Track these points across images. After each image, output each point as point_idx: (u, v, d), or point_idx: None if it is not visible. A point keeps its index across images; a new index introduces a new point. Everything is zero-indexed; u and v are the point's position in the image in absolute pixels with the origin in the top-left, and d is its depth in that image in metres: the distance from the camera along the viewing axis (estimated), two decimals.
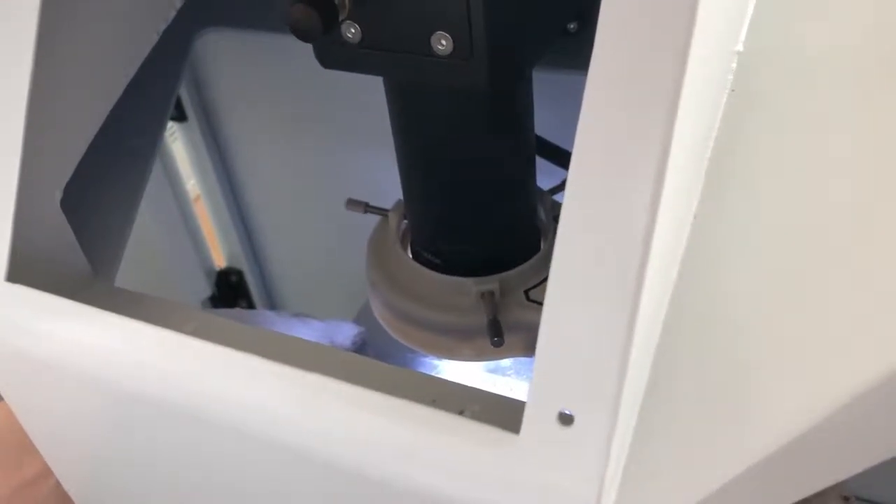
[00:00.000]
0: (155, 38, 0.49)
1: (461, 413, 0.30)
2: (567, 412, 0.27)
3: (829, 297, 0.29)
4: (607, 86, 0.27)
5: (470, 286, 0.49)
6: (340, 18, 0.36)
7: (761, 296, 0.30)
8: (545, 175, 0.51)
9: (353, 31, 0.38)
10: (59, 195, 0.42)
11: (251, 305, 1.00)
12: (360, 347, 0.64)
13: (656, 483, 0.28)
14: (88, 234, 0.44)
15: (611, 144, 0.27)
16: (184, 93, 0.78)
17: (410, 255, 0.53)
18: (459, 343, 0.50)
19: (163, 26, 0.50)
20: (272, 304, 1.01)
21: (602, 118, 0.27)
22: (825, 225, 0.31)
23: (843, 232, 0.30)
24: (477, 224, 0.48)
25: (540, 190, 0.52)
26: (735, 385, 0.29)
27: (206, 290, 0.98)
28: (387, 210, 0.55)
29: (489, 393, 0.32)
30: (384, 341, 0.54)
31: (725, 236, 0.32)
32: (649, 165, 0.25)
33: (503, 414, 0.30)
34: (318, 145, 0.73)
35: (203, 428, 0.36)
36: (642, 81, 0.27)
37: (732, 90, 0.34)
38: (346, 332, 0.63)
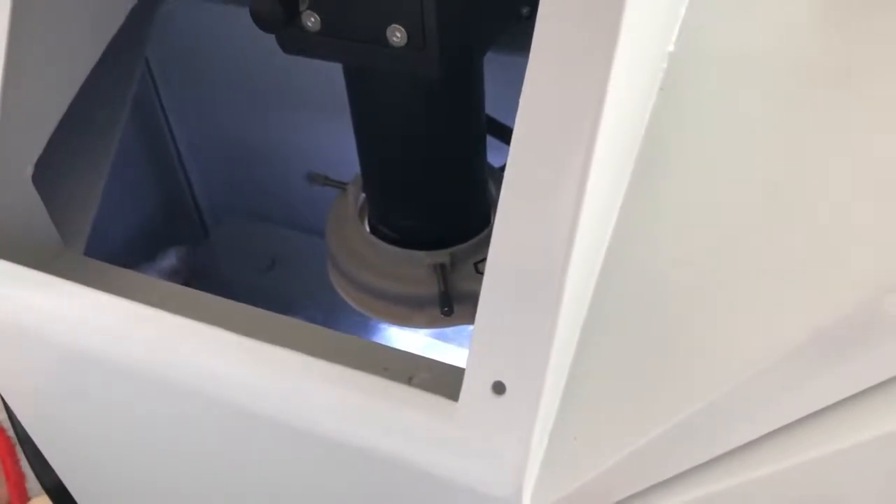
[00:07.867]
0: (122, 18, 0.51)
1: (410, 380, 0.33)
2: (500, 382, 0.31)
3: (748, 270, 0.32)
4: (542, 83, 0.30)
5: (422, 258, 0.52)
6: (301, 8, 0.38)
7: (685, 271, 0.34)
8: (498, 152, 0.54)
9: (313, 19, 0.40)
10: (30, 170, 0.44)
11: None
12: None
13: (581, 443, 0.32)
14: (59, 207, 0.46)
15: (543, 146, 0.29)
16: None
17: (368, 228, 0.55)
18: (412, 312, 0.53)
19: (130, 5, 0.51)
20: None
21: (536, 115, 0.30)
22: (740, 203, 0.34)
23: (756, 210, 0.33)
24: (429, 200, 0.51)
25: (491, 167, 0.55)
26: (656, 350, 0.33)
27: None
28: (346, 183, 0.57)
29: (435, 361, 0.35)
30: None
31: (652, 219, 0.35)
32: (577, 160, 0.28)
33: (447, 381, 0.33)
34: (279, 117, 0.75)
35: (161, 392, 0.39)
36: (573, 80, 0.29)
37: (661, 88, 0.37)
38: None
